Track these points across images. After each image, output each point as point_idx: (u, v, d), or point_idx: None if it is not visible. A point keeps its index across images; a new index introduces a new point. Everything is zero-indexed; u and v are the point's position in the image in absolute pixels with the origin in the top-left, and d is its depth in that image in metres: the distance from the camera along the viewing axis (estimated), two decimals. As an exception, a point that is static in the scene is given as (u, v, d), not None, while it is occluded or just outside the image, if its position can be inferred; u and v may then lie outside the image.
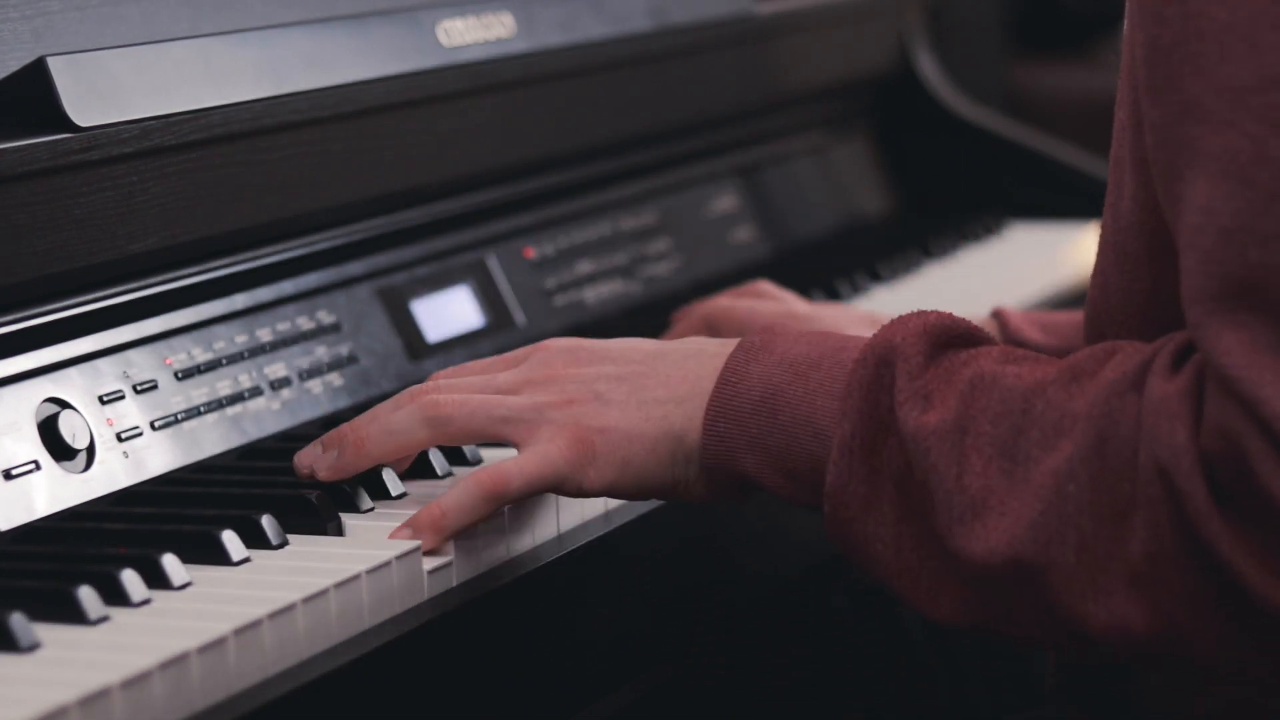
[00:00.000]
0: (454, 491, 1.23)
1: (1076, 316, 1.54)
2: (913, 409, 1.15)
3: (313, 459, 1.30)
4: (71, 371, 1.34)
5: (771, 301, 1.62)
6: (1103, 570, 1.07)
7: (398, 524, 1.26)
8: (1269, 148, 1.03)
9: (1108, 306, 1.21)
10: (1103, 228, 1.23)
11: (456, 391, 1.27)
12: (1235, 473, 1.03)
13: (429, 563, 1.22)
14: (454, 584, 1.24)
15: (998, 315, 1.55)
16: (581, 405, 1.24)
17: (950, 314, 1.20)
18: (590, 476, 1.23)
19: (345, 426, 1.29)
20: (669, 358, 1.26)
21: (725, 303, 1.61)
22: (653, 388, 1.25)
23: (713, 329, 1.61)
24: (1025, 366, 1.14)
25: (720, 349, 1.25)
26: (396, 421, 1.27)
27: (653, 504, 1.36)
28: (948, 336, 1.18)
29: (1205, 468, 1.03)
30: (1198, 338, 1.05)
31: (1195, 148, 1.06)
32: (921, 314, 1.19)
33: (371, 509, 1.30)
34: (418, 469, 1.35)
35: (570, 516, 1.34)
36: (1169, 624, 1.06)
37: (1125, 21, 1.19)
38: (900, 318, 1.19)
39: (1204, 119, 1.06)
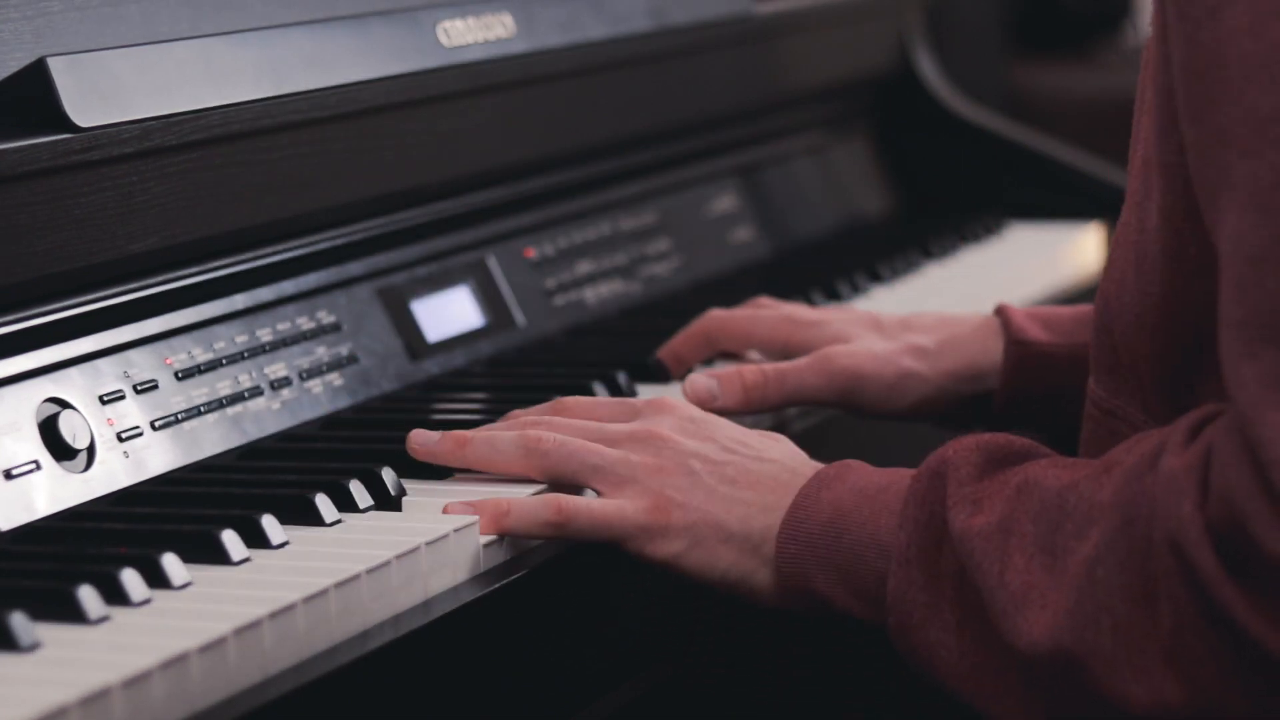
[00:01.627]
0: (527, 499, 1.28)
1: (1079, 310, 1.54)
2: (961, 512, 1.17)
3: (420, 437, 1.35)
4: (72, 371, 1.34)
5: (770, 310, 1.62)
6: (1139, 650, 1.08)
7: (396, 523, 1.26)
8: None
9: (1121, 308, 1.22)
10: (1122, 228, 1.23)
11: (566, 431, 1.32)
12: (1240, 538, 1.04)
13: (431, 564, 1.22)
14: (454, 583, 1.24)
15: (1000, 312, 1.55)
16: (672, 476, 1.28)
17: (1006, 434, 1.22)
18: (657, 544, 1.27)
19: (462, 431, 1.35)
20: (767, 464, 1.30)
21: (722, 314, 1.62)
22: (744, 484, 1.28)
23: (711, 342, 1.61)
24: (1068, 469, 1.16)
25: (810, 470, 1.29)
26: (500, 441, 1.32)
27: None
28: (1002, 453, 1.21)
29: (1213, 537, 1.05)
30: (1224, 366, 1.06)
31: (1227, 174, 1.07)
32: (978, 435, 1.22)
33: (372, 506, 1.30)
34: (431, 468, 1.36)
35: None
36: (1204, 696, 1.07)
37: (1151, 29, 1.19)
38: (958, 438, 1.22)
39: (1233, 145, 1.07)
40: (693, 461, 1.29)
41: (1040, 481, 1.16)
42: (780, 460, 1.31)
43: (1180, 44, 1.10)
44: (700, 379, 1.51)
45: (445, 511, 1.27)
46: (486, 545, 1.27)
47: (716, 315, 1.61)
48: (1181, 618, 1.07)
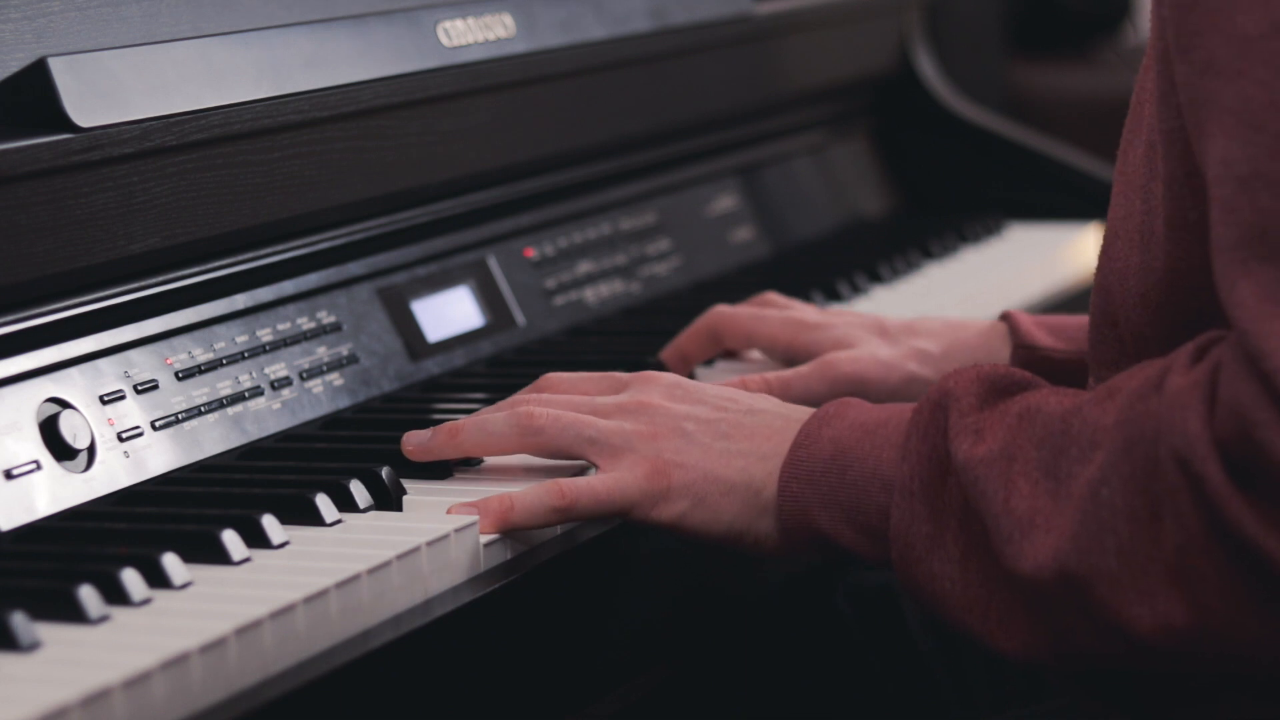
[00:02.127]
0: (528, 491, 1.28)
1: (1085, 319, 1.54)
2: (964, 442, 1.17)
3: (414, 437, 1.35)
4: (72, 371, 1.34)
5: (776, 309, 1.62)
6: (1143, 572, 1.08)
7: (396, 523, 1.27)
8: (1277, 92, 1.05)
9: (1125, 292, 1.22)
10: (1119, 221, 1.24)
11: (556, 406, 1.33)
12: (1249, 450, 1.04)
13: (431, 564, 1.23)
14: (455, 583, 1.24)
15: (1006, 318, 1.55)
16: (666, 439, 1.29)
17: (1005, 365, 1.23)
18: (661, 508, 1.28)
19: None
20: (759, 415, 1.30)
21: (727, 310, 1.62)
22: (738, 438, 1.29)
23: (716, 338, 1.61)
24: (1070, 396, 1.17)
25: (804, 415, 1.29)
26: (493, 422, 1.33)
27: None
28: (1003, 383, 1.21)
29: (1220, 451, 1.05)
30: (1220, 289, 1.06)
31: (1215, 101, 1.08)
32: (978, 365, 1.22)
33: (372, 506, 1.30)
34: (430, 469, 1.36)
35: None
36: (1208, 616, 1.07)
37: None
38: (958, 369, 1.22)
39: (1220, 71, 1.07)
40: (685, 423, 1.30)
41: (1042, 408, 1.16)
42: (772, 410, 1.31)
43: None
44: None
45: (450, 512, 1.27)
46: (487, 545, 1.27)
47: (722, 311, 1.62)
48: (1187, 535, 1.06)
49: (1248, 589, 1.06)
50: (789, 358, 1.59)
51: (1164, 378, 1.10)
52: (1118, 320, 1.23)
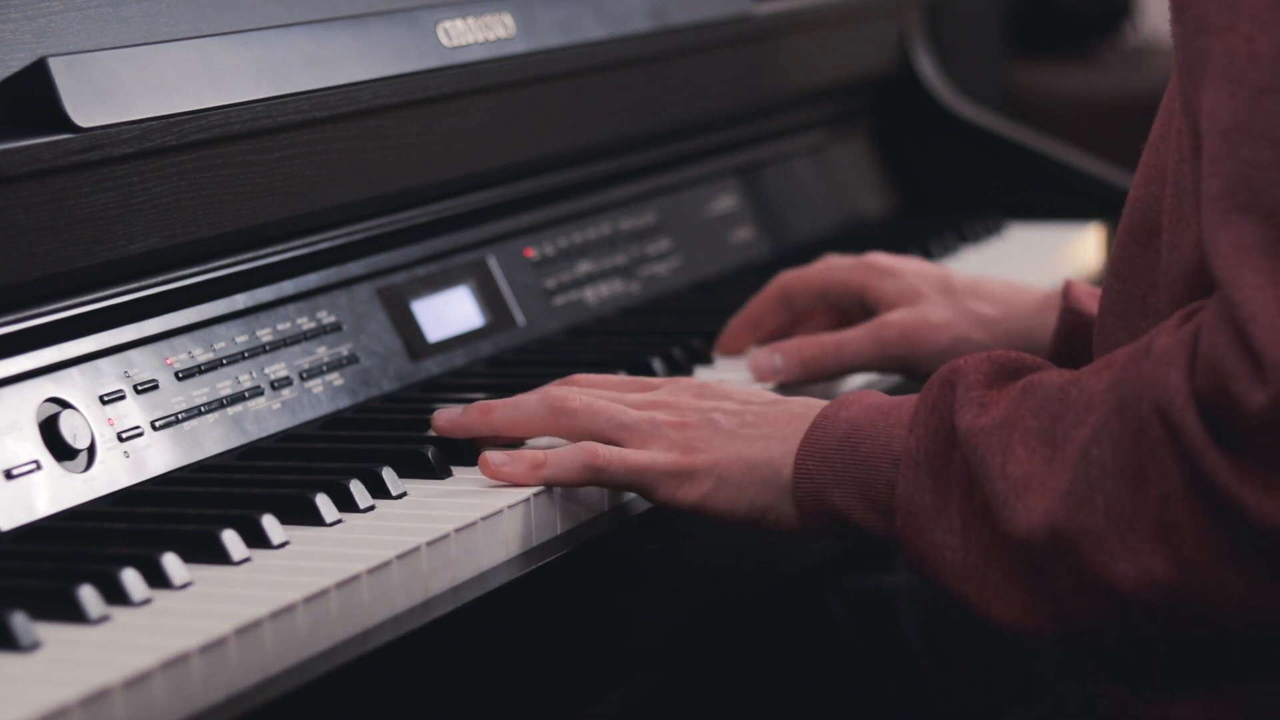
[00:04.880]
0: (563, 450, 1.32)
1: None
2: (968, 413, 1.20)
3: (445, 413, 1.38)
4: (72, 371, 1.34)
5: (849, 257, 1.67)
6: (1129, 528, 1.11)
7: (396, 523, 1.27)
8: (1258, 45, 1.07)
9: (1164, 277, 1.22)
10: (1140, 199, 1.25)
11: (588, 396, 1.36)
12: (1224, 404, 1.06)
13: (431, 564, 1.23)
14: (455, 582, 1.24)
15: (1066, 284, 1.57)
16: (695, 429, 1.33)
17: (1017, 351, 1.26)
18: (685, 488, 1.31)
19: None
20: (782, 405, 1.35)
21: (795, 272, 1.67)
22: (760, 424, 1.33)
23: (787, 300, 1.65)
24: (1071, 370, 1.19)
25: (823, 403, 1.33)
26: (526, 403, 1.37)
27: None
28: (1012, 367, 1.24)
29: (1199, 404, 1.07)
30: (1205, 239, 1.08)
31: (1206, 57, 1.10)
32: (989, 350, 1.26)
33: (372, 507, 1.30)
34: (430, 468, 1.36)
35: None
36: (1189, 569, 1.09)
37: None
38: (969, 354, 1.25)
39: (1211, 28, 1.10)
40: (713, 414, 1.34)
41: (1044, 381, 1.19)
42: (794, 401, 1.35)
43: None
44: (762, 354, 1.59)
45: (483, 461, 1.31)
46: (487, 545, 1.27)
47: (789, 274, 1.67)
48: (1169, 487, 1.09)
49: (1225, 541, 1.08)
50: (861, 301, 1.64)
51: (1153, 341, 1.12)
52: (1151, 306, 1.25)
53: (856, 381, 1.65)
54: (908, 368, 1.60)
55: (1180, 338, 1.10)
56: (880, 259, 1.66)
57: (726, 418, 1.33)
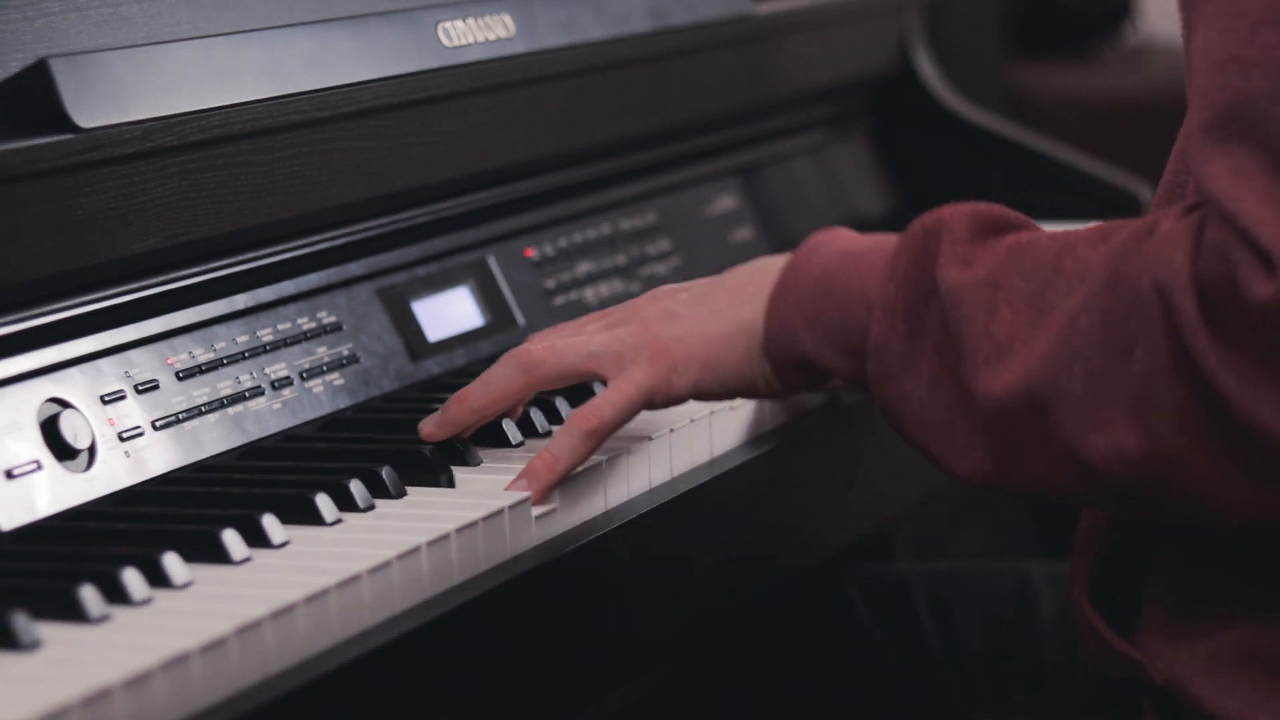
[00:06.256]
0: (557, 438, 1.32)
1: None
2: (952, 268, 1.21)
3: (428, 421, 1.38)
4: (73, 371, 1.34)
5: None
6: (1107, 401, 1.11)
7: (396, 523, 1.27)
8: None
9: None
10: (1174, 172, 1.26)
11: (547, 341, 1.37)
12: (1226, 289, 1.07)
13: (432, 564, 1.23)
14: (455, 583, 1.25)
15: None
16: (659, 326, 1.34)
17: (1001, 205, 1.26)
18: (675, 383, 1.32)
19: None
20: (736, 273, 1.36)
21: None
22: (722, 297, 1.34)
23: None
24: (1062, 236, 1.20)
25: (785, 259, 1.34)
26: (493, 374, 1.37)
27: (669, 494, 1.38)
28: (996, 222, 1.24)
29: (1198, 287, 1.08)
30: (1193, 169, 1.10)
31: (1199, 2, 1.11)
32: (973, 203, 1.26)
33: (373, 507, 1.30)
34: (430, 468, 1.36)
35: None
36: (1162, 446, 1.10)
37: None
38: (952, 203, 1.26)
39: None
40: (672, 306, 1.35)
41: (1035, 243, 1.20)
42: (747, 266, 1.37)
43: None
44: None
45: (508, 489, 1.30)
46: (487, 546, 1.27)
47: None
48: (1154, 365, 1.09)
49: (1202, 424, 1.09)
50: None
51: (1157, 223, 1.13)
52: None
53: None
54: None
55: (1187, 223, 1.10)
56: None
57: (685, 306, 1.34)
